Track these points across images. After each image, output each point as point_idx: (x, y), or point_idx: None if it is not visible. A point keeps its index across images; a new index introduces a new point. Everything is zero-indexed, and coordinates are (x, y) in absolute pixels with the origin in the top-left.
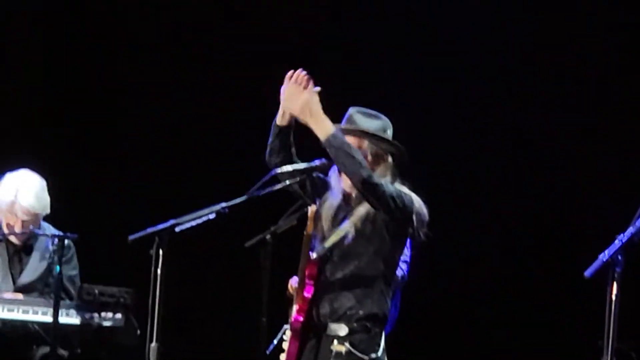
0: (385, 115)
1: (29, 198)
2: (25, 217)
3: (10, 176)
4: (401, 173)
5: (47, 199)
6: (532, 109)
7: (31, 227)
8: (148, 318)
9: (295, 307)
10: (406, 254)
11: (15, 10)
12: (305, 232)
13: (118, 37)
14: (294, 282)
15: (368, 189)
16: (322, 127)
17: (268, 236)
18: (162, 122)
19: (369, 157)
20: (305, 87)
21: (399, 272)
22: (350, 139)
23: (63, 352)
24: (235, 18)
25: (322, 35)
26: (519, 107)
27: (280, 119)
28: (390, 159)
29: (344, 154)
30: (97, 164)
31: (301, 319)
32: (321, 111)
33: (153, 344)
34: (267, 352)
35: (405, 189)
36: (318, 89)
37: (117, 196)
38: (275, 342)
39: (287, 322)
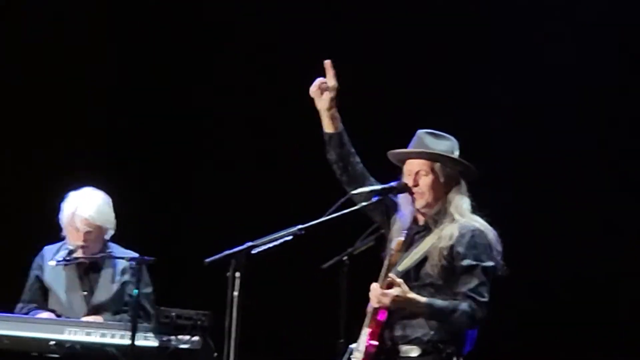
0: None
1: (89, 209)
2: (85, 229)
3: (73, 193)
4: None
5: (110, 213)
6: None
7: (93, 243)
8: (225, 340)
9: (368, 331)
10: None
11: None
12: (387, 261)
13: (190, 57)
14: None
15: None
16: (419, 307)
17: (345, 258)
18: (237, 145)
19: (442, 179)
20: None
21: None
22: (421, 162)
23: None
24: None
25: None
26: None
27: (328, 126)
28: (463, 182)
29: (434, 316)
30: (175, 187)
31: (375, 343)
32: (410, 298)
33: None
34: None
35: (478, 219)
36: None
37: (194, 219)
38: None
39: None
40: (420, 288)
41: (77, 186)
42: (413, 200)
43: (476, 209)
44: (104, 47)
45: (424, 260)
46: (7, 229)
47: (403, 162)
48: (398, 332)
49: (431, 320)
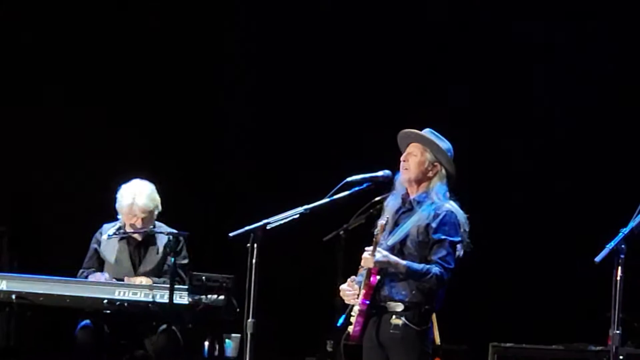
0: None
1: (144, 199)
2: (143, 215)
3: (125, 186)
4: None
5: (158, 198)
6: None
7: (146, 224)
8: (245, 299)
9: (362, 292)
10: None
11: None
12: (374, 239)
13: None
14: (344, 286)
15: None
16: (399, 268)
17: (342, 232)
18: (256, 143)
19: (426, 164)
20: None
21: None
22: (416, 146)
23: (177, 327)
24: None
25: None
26: None
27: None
28: (444, 172)
29: (411, 276)
30: (207, 175)
31: (367, 302)
32: (392, 260)
33: (250, 320)
34: (338, 325)
35: (452, 203)
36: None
37: (222, 201)
38: (344, 317)
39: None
40: (402, 257)
41: (124, 173)
42: (402, 179)
43: (453, 196)
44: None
45: (406, 236)
46: (74, 208)
47: (406, 147)
48: (385, 292)
49: (408, 279)
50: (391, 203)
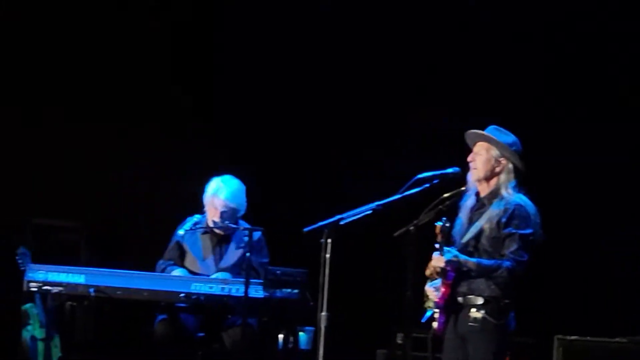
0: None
1: (226, 193)
2: (222, 209)
3: (216, 178)
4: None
5: (243, 199)
6: None
7: (227, 221)
8: (319, 293)
9: (441, 290)
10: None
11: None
12: (439, 241)
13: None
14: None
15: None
16: (470, 265)
17: (412, 228)
18: (329, 139)
19: (493, 161)
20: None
21: None
22: (481, 145)
23: (252, 320)
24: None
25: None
26: None
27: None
28: (511, 167)
29: (482, 271)
30: (283, 176)
31: (446, 298)
32: (461, 259)
33: (323, 313)
34: (423, 321)
35: (521, 196)
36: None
37: (297, 198)
38: (429, 313)
39: (425, 296)
40: (478, 254)
41: (203, 168)
42: (472, 178)
43: (522, 189)
44: None
45: (480, 232)
46: (152, 202)
47: (474, 145)
48: (465, 288)
49: (480, 275)
50: (465, 202)
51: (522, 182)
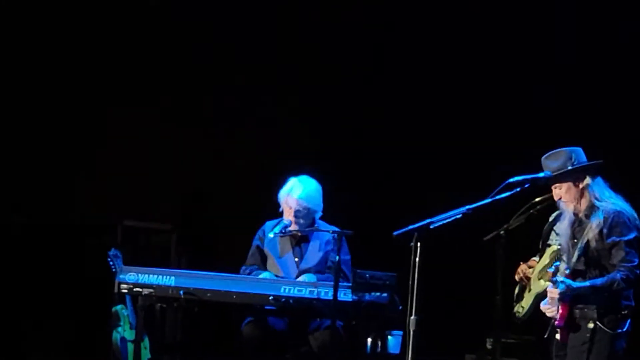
0: None
1: (301, 192)
2: (297, 207)
3: (292, 178)
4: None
5: (318, 198)
6: None
7: (302, 220)
8: (408, 296)
9: (559, 313)
10: None
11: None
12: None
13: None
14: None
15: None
16: (585, 290)
17: (502, 232)
18: (420, 137)
19: (572, 186)
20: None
21: None
22: (564, 187)
23: (340, 323)
24: None
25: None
26: None
27: None
28: (590, 178)
29: (598, 292)
30: (373, 175)
31: (564, 319)
32: (575, 287)
33: (412, 317)
34: (545, 336)
35: (615, 201)
36: None
37: (387, 199)
38: (550, 329)
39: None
40: (590, 270)
41: (289, 171)
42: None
43: (614, 190)
44: None
45: (587, 248)
46: (241, 205)
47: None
48: (581, 304)
49: (597, 296)
50: (564, 224)
51: (609, 178)
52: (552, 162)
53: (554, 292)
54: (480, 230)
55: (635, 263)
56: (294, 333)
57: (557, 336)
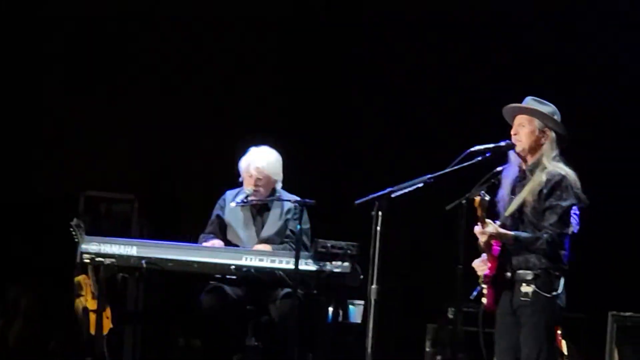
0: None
1: (261, 161)
2: (257, 176)
3: (253, 147)
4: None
5: (279, 168)
6: None
7: (262, 189)
8: (369, 266)
9: (488, 265)
10: (576, 207)
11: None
12: (479, 216)
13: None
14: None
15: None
16: (509, 239)
17: (463, 201)
18: (381, 111)
19: (537, 132)
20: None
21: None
22: (523, 117)
23: (301, 292)
24: None
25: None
26: None
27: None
28: (554, 136)
29: (520, 244)
30: (333, 146)
31: (492, 273)
32: (501, 232)
33: (373, 286)
34: (471, 297)
35: (562, 166)
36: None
37: (347, 169)
38: (478, 288)
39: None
40: (523, 225)
41: (249, 141)
42: (515, 152)
43: (563, 159)
44: None
45: (522, 204)
46: (201, 175)
47: (513, 119)
48: (514, 262)
49: (519, 248)
50: (507, 174)
51: (564, 150)
52: (539, 104)
53: (482, 236)
54: (443, 200)
55: (564, 230)
56: (255, 302)
57: (484, 300)
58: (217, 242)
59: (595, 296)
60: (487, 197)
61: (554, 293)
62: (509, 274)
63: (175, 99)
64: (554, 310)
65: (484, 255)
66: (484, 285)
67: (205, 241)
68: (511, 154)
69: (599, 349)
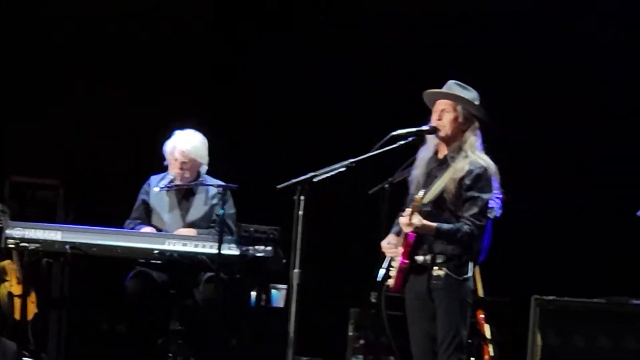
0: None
1: (186, 144)
2: (182, 159)
3: (178, 131)
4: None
5: (204, 151)
6: None
7: (187, 173)
8: (291, 250)
9: (401, 250)
10: (498, 192)
11: None
12: (412, 206)
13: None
14: (384, 242)
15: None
16: (431, 230)
17: (386, 185)
18: (306, 94)
19: (460, 119)
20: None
21: (493, 205)
22: (446, 102)
23: (224, 277)
24: None
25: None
26: None
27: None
28: (477, 124)
29: (442, 236)
30: (257, 131)
31: (406, 260)
32: (424, 223)
33: (295, 270)
34: (378, 279)
35: (484, 157)
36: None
37: (270, 154)
38: (382, 271)
39: None
40: (440, 213)
41: (174, 126)
42: (437, 137)
43: (485, 149)
44: None
45: (443, 191)
46: (127, 160)
47: (434, 103)
48: (426, 247)
49: (439, 239)
50: (423, 156)
51: (486, 139)
52: (462, 89)
53: (408, 227)
54: (366, 184)
55: (483, 223)
56: (179, 287)
57: (390, 282)
58: (148, 229)
59: (518, 280)
60: (422, 192)
61: (465, 276)
62: (421, 258)
63: (100, 83)
64: (466, 293)
65: (391, 237)
66: (392, 267)
67: (133, 227)
68: (428, 137)
69: (522, 333)
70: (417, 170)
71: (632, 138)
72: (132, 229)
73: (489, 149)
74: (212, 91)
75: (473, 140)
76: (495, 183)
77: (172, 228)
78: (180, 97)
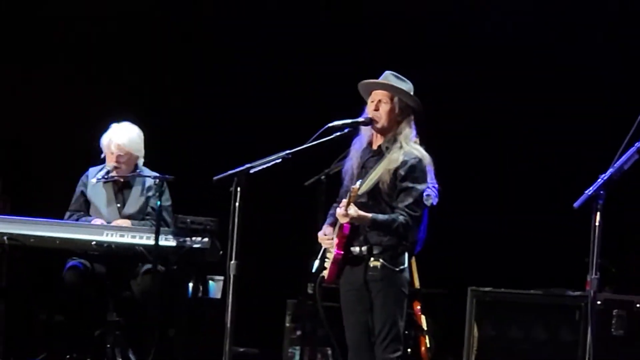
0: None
1: (122, 137)
2: (118, 152)
3: (114, 124)
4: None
5: (140, 144)
6: None
7: (124, 165)
8: (229, 241)
9: (336, 242)
10: (433, 182)
11: None
12: (349, 196)
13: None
14: (320, 234)
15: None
16: (366, 221)
17: (322, 177)
18: (242, 86)
19: (397, 110)
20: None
21: (430, 192)
22: (383, 93)
23: (162, 268)
24: None
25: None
26: None
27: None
28: (412, 116)
29: (377, 227)
30: (193, 122)
31: (341, 252)
32: (360, 214)
33: (232, 262)
34: (313, 271)
35: (419, 148)
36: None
37: (206, 145)
38: (317, 262)
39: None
40: (376, 204)
41: (111, 117)
42: (373, 128)
43: (420, 140)
44: None
45: (378, 182)
46: (65, 152)
47: (369, 94)
48: (361, 239)
49: (375, 230)
50: (357, 146)
51: (421, 130)
52: (399, 80)
53: (344, 217)
54: (302, 175)
55: (418, 214)
56: (116, 278)
57: (324, 273)
58: (99, 221)
59: (454, 272)
60: (359, 183)
61: (401, 267)
62: (357, 249)
63: (37, 76)
64: (402, 284)
65: (326, 228)
66: (326, 259)
67: (75, 219)
68: (363, 129)
69: (459, 324)
70: (351, 162)
71: (568, 135)
72: (77, 220)
73: (427, 142)
74: (149, 81)
75: (408, 132)
76: (431, 173)
77: (110, 220)
78: (117, 87)
